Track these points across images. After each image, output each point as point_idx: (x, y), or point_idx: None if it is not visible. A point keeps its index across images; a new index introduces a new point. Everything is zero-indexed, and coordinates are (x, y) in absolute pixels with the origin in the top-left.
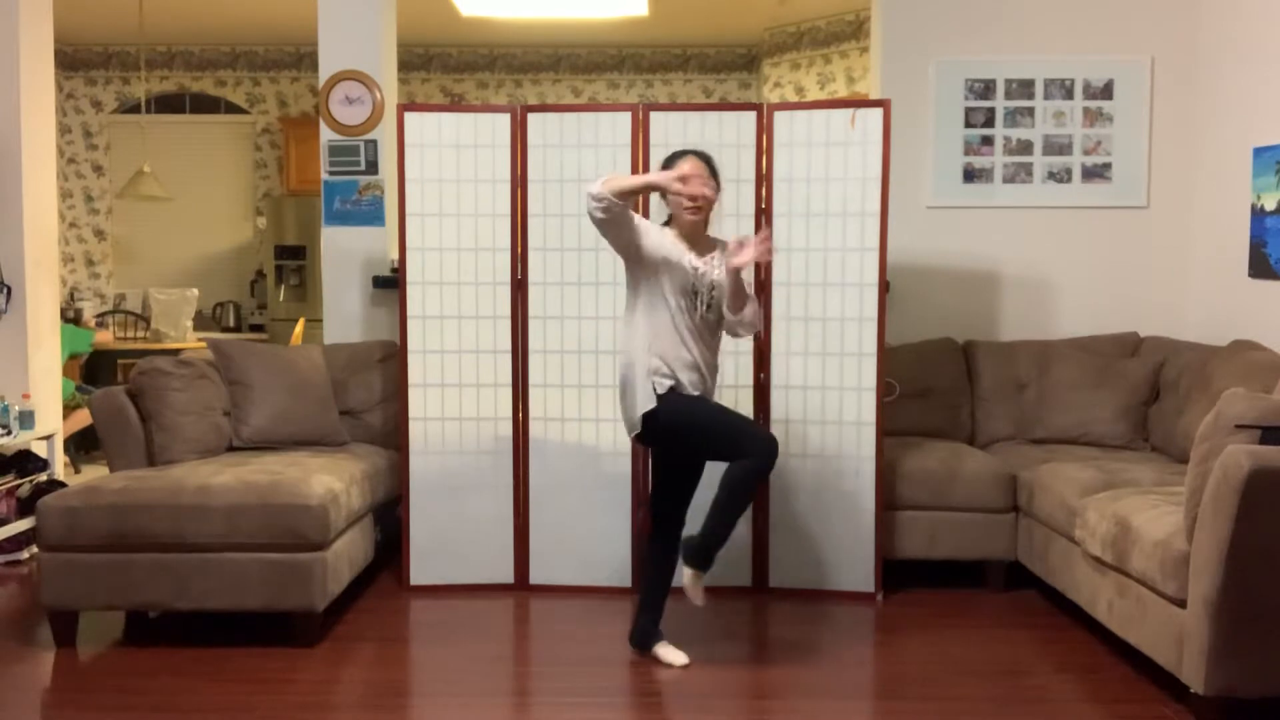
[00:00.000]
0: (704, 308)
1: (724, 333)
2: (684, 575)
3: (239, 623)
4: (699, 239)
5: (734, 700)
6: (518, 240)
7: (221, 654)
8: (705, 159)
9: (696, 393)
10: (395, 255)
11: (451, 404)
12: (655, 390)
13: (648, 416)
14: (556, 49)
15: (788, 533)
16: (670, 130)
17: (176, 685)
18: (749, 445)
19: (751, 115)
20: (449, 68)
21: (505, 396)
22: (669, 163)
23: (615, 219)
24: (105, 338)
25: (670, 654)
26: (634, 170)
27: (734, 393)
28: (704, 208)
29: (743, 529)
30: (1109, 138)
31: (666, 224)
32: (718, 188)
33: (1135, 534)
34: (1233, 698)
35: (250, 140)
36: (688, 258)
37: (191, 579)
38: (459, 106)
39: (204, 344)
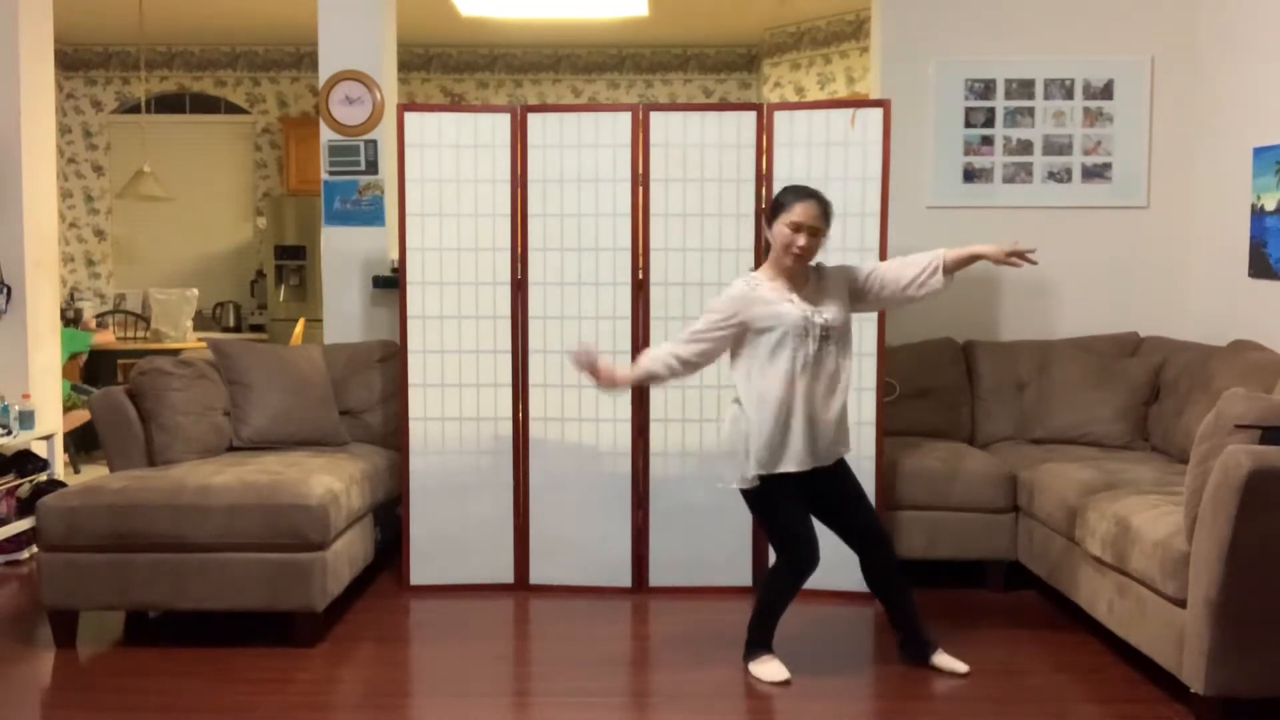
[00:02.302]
0: (815, 346)
1: (846, 372)
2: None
3: (239, 623)
4: (796, 274)
5: (734, 700)
6: (518, 240)
7: (221, 654)
8: (819, 202)
9: (801, 465)
10: (395, 255)
11: (451, 404)
12: (750, 475)
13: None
14: (556, 49)
15: None
16: (670, 130)
17: (176, 685)
18: (780, 550)
19: (751, 115)
20: (449, 68)
21: (505, 396)
22: (781, 198)
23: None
24: (106, 338)
25: (948, 661)
26: (634, 168)
27: (735, 392)
28: (807, 255)
29: (742, 528)
30: (1109, 138)
31: (754, 268)
32: (827, 230)
33: (1135, 534)
34: (1233, 698)
35: (250, 140)
36: (790, 302)
37: (191, 579)
38: (459, 106)
39: (204, 344)
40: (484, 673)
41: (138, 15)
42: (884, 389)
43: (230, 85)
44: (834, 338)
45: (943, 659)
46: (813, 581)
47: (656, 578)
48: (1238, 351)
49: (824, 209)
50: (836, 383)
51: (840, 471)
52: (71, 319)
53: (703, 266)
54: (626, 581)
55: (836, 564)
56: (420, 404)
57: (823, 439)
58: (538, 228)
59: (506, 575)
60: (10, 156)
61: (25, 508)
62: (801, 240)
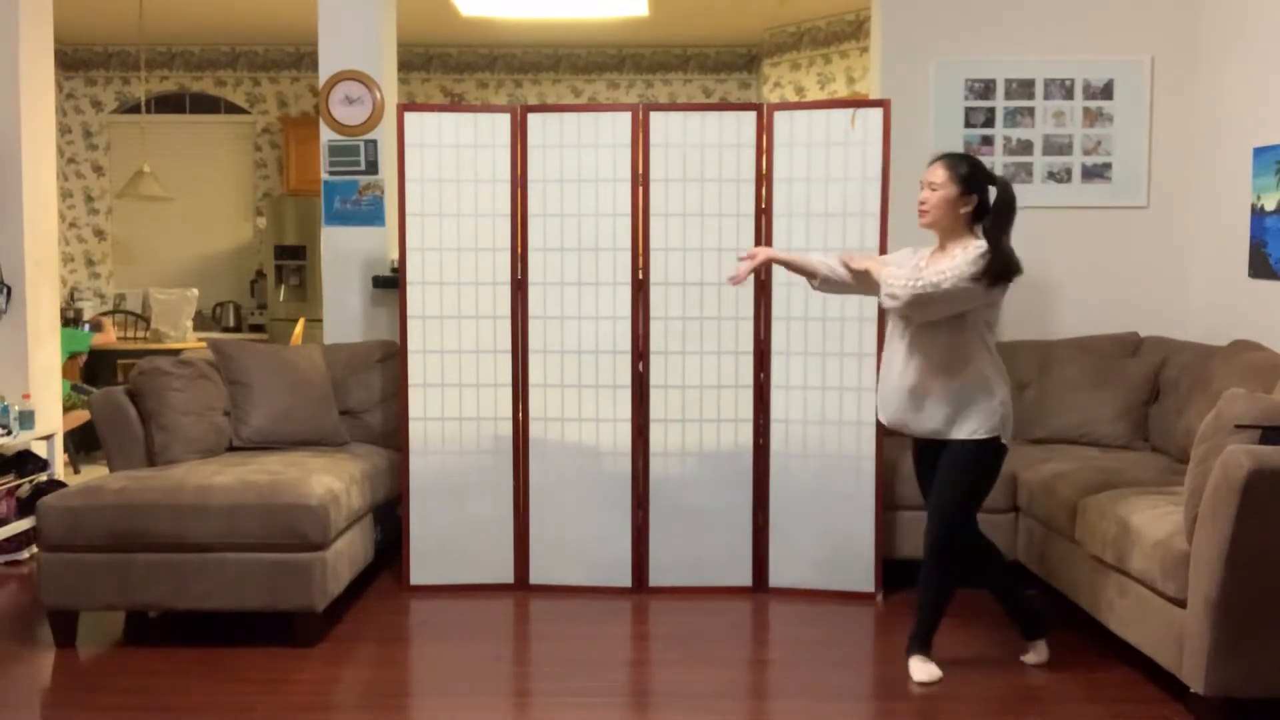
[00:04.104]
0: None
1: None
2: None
3: (239, 623)
4: (947, 236)
5: (734, 700)
6: (518, 240)
7: (221, 654)
8: (944, 161)
9: (884, 419)
10: (395, 255)
11: (451, 404)
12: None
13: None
14: (556, 49)
15: (788, 532)
16: (670, 130)
17: (176, 685)
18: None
19: (751, 115)
20: (449, 68)
21: (505, 396)
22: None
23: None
24: (107, 338)
25: (918, 666)
26: (634, 168)
27: (734, 393)
28: (929, 210)
29: (742, 528)
30: (1109, 138)
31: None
32: (960, 186)
33: (1135, 534)
34: (1233, 698)
35: (250, 140)
36: (908, 268)
37: (191, 579)
38: (459, 106)
39: (204, 344)
40: (484, 673)
41: (138, 15)
42: None
43: (230, 85)
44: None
45: (911, 661)
46: (813, 581)
47: (656, 578)
48: (1238, 351)
49: (949, 165)
50: (913, 360)
51: (944, 455)
52: (71, 319)
53: (703, 266)
54: (626, 581)
55: (837, 564)
56: (420, 404)
57: (896, 406)
58: (538, 228)
59: (506, 575)
60: (10, 156)
61: (25, 508)
62: (922, 194)
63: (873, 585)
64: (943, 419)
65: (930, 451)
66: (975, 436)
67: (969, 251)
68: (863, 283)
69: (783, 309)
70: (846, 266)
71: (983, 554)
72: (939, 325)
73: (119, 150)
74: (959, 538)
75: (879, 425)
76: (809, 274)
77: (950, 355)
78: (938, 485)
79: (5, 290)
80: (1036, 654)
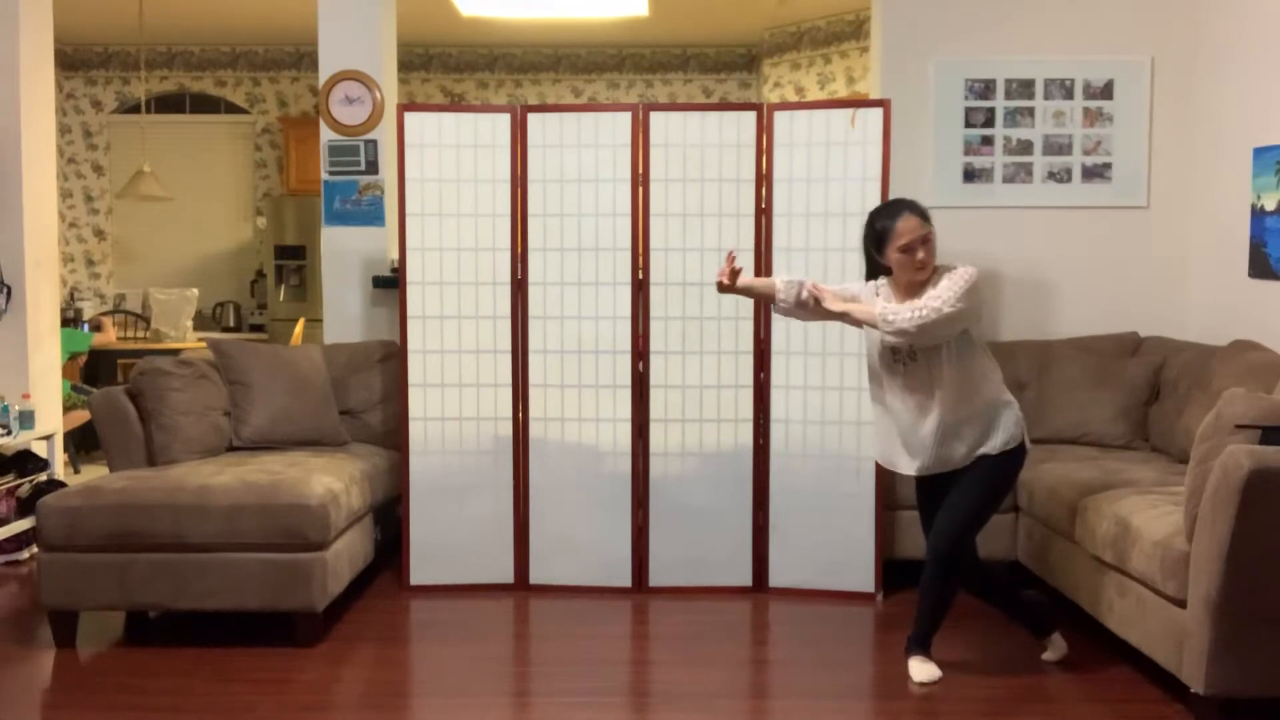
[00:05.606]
0: (906, 357)
1: (962, 378)
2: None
3: (239, 623)
4: (920, 284)
5: (734, 700)
6: (518, 240)
7: (221, 654)
8: (913, 211)
9: (913, 471)
10: (395, 255)
11: (451, 404)
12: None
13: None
14: (556, 49)
15: (788, 533)
16: (670, 130)
17: (176, 685)
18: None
19: (751, 115)
20: (449, 68)
21: (505, 396)
22: (880, 226)
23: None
24: (107, 338)
25: (914, 665)
26: (634, 168)
27: (734, 393)
28: (931, 263)
29: (742, 528)
30: (1109, 138)
31: (875, 276)
32: (932, 227)
33: (1135, 534)
34: (1233, 698)
35: (250, 140)
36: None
37: (191, 579)
38: (459, 106)
39: (204, 344)
40: (484, 673)
41: (138, 15)
42: None
43: (230, 85)
44: (917, 350)
45: (911, 662)
46: (813, 581)
47: (656, 578)
48: (1238, 351)
49: (921, 213)
50: (930, 401)
51: (959, 475)
52: (71, 319)
53: (703, 266)
54: (626, 581)
55: (837, 564)
56: (420, 404)
57: (923, 453)
58: (538, 228)
59: (506, 575)
60: (10, 156)
61: (25, 508)
62: (921, 254)
63: (873, 585)
64: (973, 441)
65: (938, 478)
66: (1007, 448)
67: (955, 276)
68: (826, 316)
69: None
70: (815, 298)
71: (974, 563)
72: (951, 354)
73: (119, 150)
74: (966, 547)
75: None
76: (769, 298)
77: (970, 378)
78: (959, 495)
79: (5, 290)
80: (1054, 649)
